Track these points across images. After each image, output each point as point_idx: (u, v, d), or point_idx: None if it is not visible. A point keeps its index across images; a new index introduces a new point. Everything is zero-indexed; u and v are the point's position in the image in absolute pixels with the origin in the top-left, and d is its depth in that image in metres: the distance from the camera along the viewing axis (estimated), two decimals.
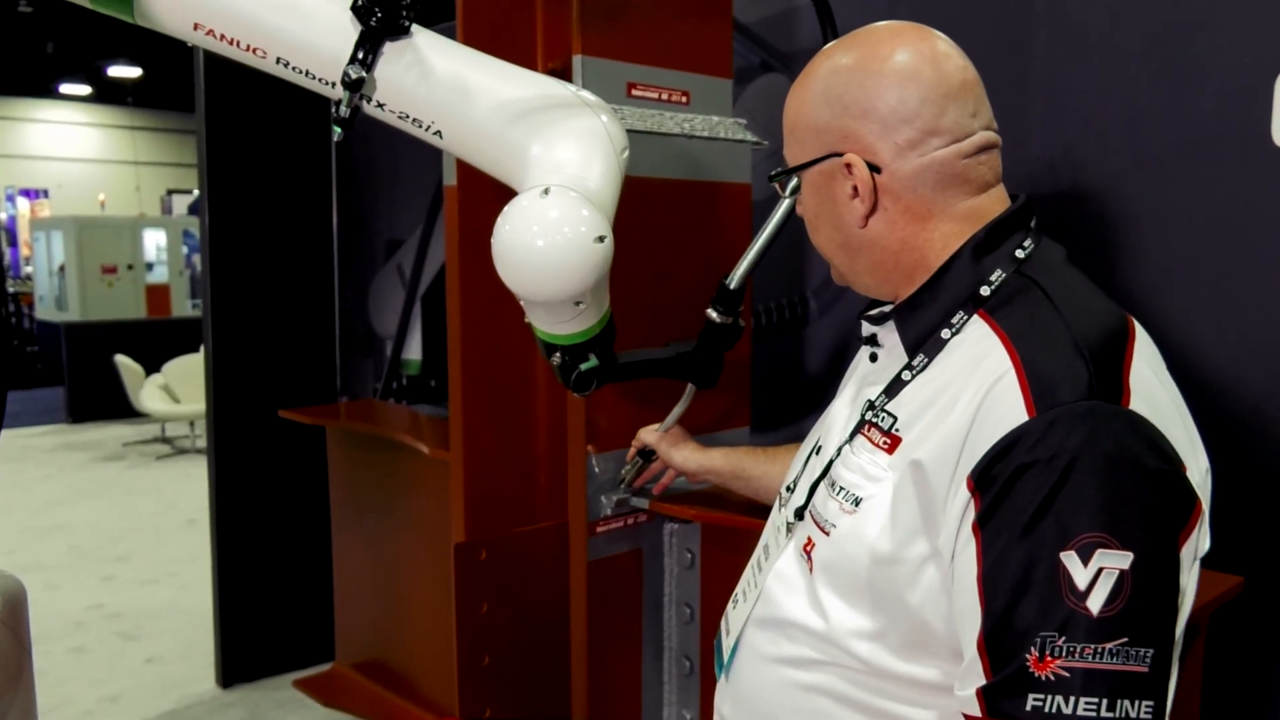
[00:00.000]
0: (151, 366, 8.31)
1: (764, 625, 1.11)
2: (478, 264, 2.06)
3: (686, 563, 2.05)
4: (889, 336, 1.08)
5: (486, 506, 2.12)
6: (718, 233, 2.11)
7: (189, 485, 6.97)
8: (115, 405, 8.91)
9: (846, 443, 1.06)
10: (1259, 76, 1.79)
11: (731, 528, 1.87)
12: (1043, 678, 0.81)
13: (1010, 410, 0.87)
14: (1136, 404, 0.87)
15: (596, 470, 1.95)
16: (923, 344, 1.01)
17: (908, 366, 1.02)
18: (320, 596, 3.58)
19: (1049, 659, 0.81)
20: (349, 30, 1.39)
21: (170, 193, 16.87)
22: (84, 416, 9.65)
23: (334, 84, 1.42)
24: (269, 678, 3.76)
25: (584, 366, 1.58)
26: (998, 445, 0.86)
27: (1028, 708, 0.81)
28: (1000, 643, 0.84)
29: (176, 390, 8.16)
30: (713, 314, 1.72)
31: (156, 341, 9.53)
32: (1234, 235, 1.86)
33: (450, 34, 1.57)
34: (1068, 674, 0.80)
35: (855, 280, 1.11)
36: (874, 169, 1.02)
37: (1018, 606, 0.83)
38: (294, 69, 1.43)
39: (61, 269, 10.56)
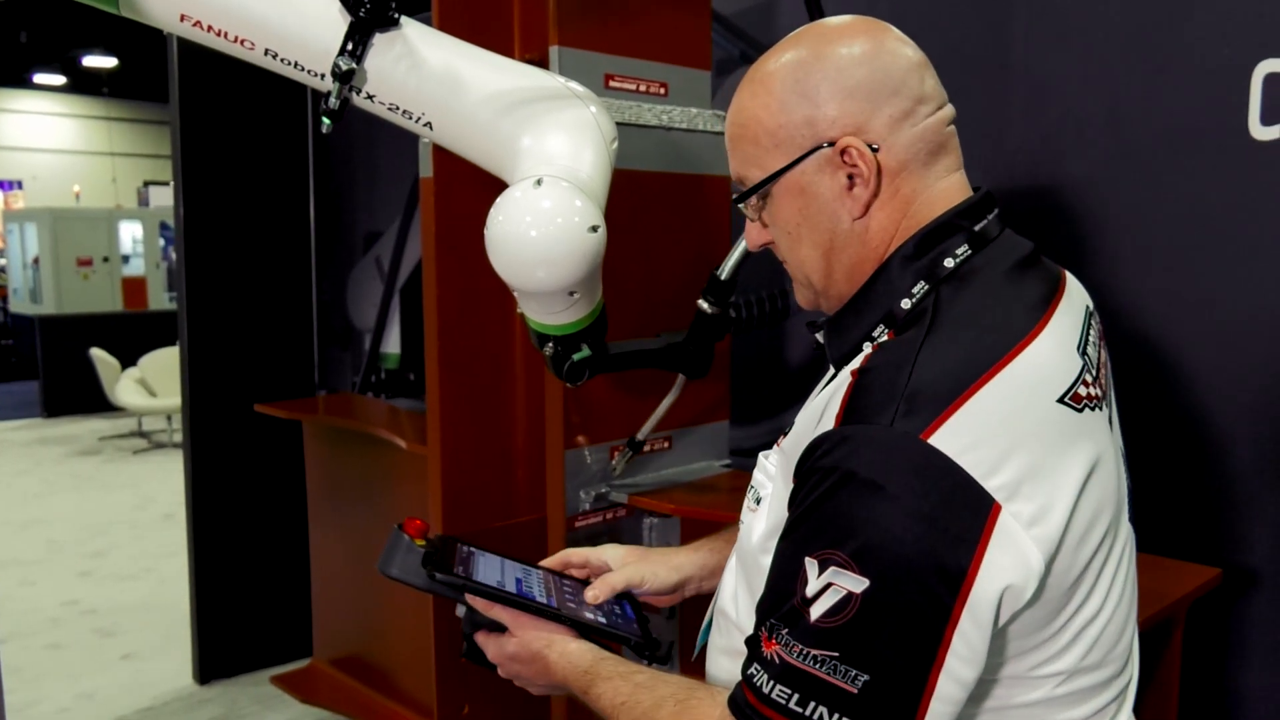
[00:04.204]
0: (128, 360, 8.25)
1: (717, 617, 1.17)
2: (455, 256, 2.05)
3: None
4: None
5: (464, 501, 2.11)
6: (701, 225, 2.10)
7: (166, 480, 6.92)
8: (91, 399, 8.84)
9: (767, 449, 1.12)
10: (1237, 69, 1.79)
11: (711, 521, 1.86)
12: (766, 655, 0.88)
13: (831, 416, 0.90)
14: (946, 439, 0.83)
15: (589, 461, 1.95)
16: (847, 357, 0.99)
17: (832, 378, 1.02)
18: (298, 592, 3.56)
19: (772, 641, 0.88)
20: (338, 22, 1.39)
21: (147, 184, 16.70)
22: (59, 410, 9.56)
23: (323, 76, 1.41)
24: (246, 674, 3.74)
25: (577, 357, 1.59)
26: (810, 444, 0.90)
27: (749, 671, 0.90)
28: (759, 611, 0.91)
29: (153, 384, 8.10)
30: (704, 305, 1.72)
31: (133, 335, 9.46)
32: (1212, 226, 1.86)
33: (426, 24, 1.56)
34: (777, 661, 0.87)
35: (832, 290, 1.04)
36: (871, 149, 0.97)
37: (772, 588, 0.90)
38: (282, 60, 1.42)
39: (36, 261, 10.44)
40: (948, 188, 1.00)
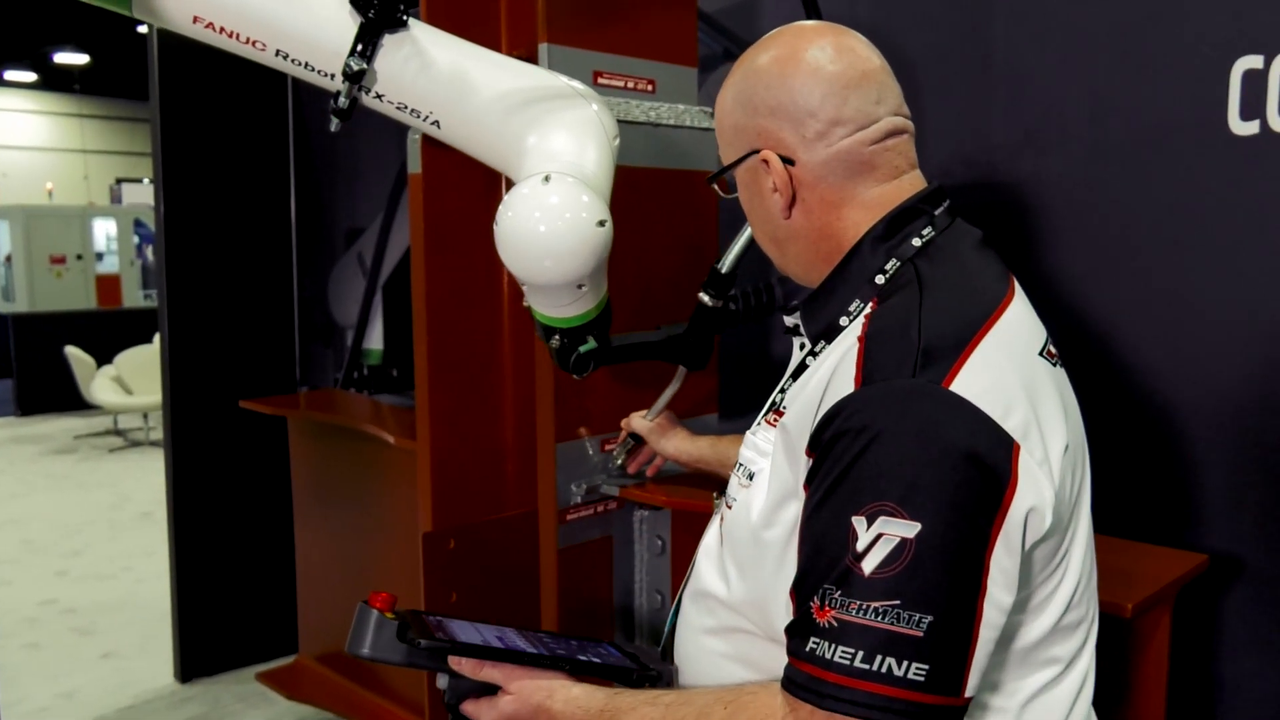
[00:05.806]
0: (103, 358, 8.18)
1: (693, 598, 1.18)
2: (443, 251, 2.05)
3: (657, 549, 2.06)
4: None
5: (454, 495, 2.11)
6: (689, 219, 2.12)
7: (143, 478, 6.88)
8: (65, 397, 8.76)
9: (754, 426, 1.14)
10: (1217, 64, 1.82)
11: (702, 514, 1.87)
12: (821, 624, 0.88)
13: (845, 382, 0.94)
14: (964, 386, 0.90)
15: (590, 453, 1.96)
16: (824, 333, 1.07)
17: (811, 353, 1.08)
18: (282, 588, 3.55)
19: (827, 609, 0.88)
20: (348, 23, 1.42)
21: (120, 181, 16.55)
22: (33, 409, 9.47)
23: (333, 76, 1.45)
24: (230, 671, 3.73)
25: (583, 349, 1.62)
26: (828, 413, 0.93)
27: (806, 649, 0.89)
28: (800, 590, 0.92)
29: (129, 382, 8.03)
30: (704, 297, 1.75)
31: (107, 333, 9.39)
32: (1192, 220, 1.89)
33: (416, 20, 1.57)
34: (836, 624, 0.87)
35: (788, 270, 1.16)
36: (788, 162, 1.07)
37: (814, 559, 0.91)
38: (293, 61, 1.46)
39: (8, 259, 10.34)
40: (881, 195, 1.08)
